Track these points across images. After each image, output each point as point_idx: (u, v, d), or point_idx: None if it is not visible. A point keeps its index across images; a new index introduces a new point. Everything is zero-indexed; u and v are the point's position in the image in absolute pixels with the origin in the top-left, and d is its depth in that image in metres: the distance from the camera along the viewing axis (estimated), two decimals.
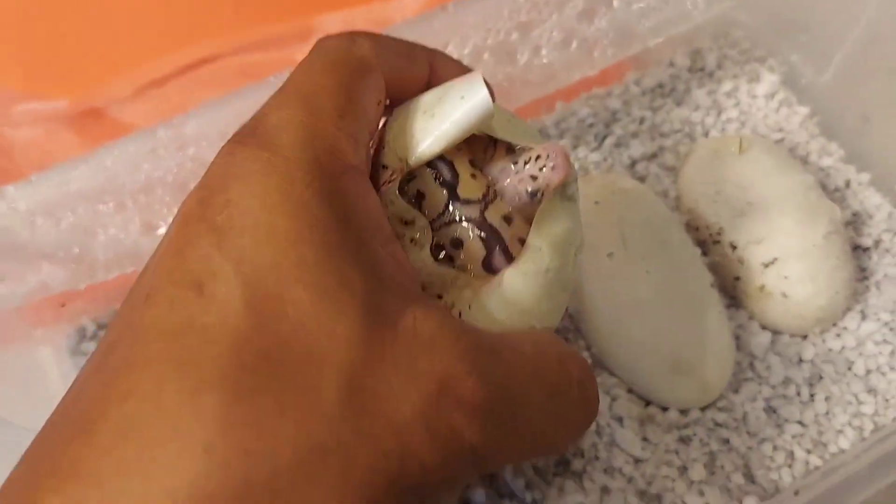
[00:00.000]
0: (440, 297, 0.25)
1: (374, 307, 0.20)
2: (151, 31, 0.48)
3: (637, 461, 0.34)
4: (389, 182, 0.25)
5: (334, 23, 0.49)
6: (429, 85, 0.27)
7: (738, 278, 0.37)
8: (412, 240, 0.25)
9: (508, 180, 0.25)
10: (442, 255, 0.25)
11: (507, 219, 0.25)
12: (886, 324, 0.37)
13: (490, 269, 0.25)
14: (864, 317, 0.37)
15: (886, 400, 0.35)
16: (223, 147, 0.22)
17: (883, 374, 0.36)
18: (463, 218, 0.25)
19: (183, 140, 0.33)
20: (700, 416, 0.35)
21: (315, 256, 0.20)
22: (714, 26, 0.45)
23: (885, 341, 0.37)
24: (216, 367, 0.18)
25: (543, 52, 0.36)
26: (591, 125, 0.43)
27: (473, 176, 0.25)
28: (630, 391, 0.36)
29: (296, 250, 0.20)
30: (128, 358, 0.19)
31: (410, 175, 0.26)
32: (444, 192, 0.25)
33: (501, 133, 0.25)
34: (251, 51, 0.49)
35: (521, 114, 0.43)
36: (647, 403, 0.36)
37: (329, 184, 0.21)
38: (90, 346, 0.37)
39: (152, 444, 0.17)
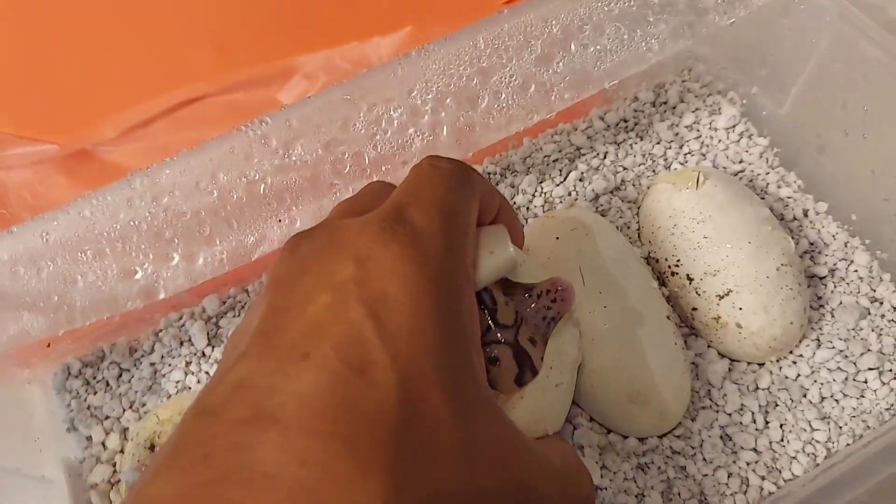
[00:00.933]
0: None
1: (482, 407, 0.25)
2: (138, 74, 0.50)
3: (597, 489, 0.36)
4: None
5: (315, 62, 0.51)
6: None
7: (695, 309, 0.39)
8: None
9: (528, 309, 0.31)
10: None
11: (532, 341, 0.30)
12: (841, 351, 0.38)
13: (520, 383, 0.30)
14: (819, 344, 0.39)
15: (839, 427, 0.36)
16: (371, 223, 0.26)
17: (836, 400, 0.37)
18: (502, 340, 0.30)
19: (157, 190, 0.35)
20: (658, 444, 0.37)
21: (450, 364, 0.24)
22: (676, 61, 0.47)
23: (839, 369, 0.38)
24: (380, 452, 0.21)
25: (503, 95, 0.38)
26: (555, 160, 0.44)
27: (506, 303, 0.31)
28: (591, 420, 0.38)
29: (439, 356, 0.24)
30: (298, 417, 0.21)
31: None
32: (487, 317, 0.30)
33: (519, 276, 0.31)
34: (235, 90, 0.51)
35: (488, 153, 0.45)
36: (608, 431, 0.38)
37: (464, 296, 0.26)
38: (76, 384, 0.39)
39: None
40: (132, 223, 0.35)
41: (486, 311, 0.30)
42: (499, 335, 0.30)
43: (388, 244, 0.25)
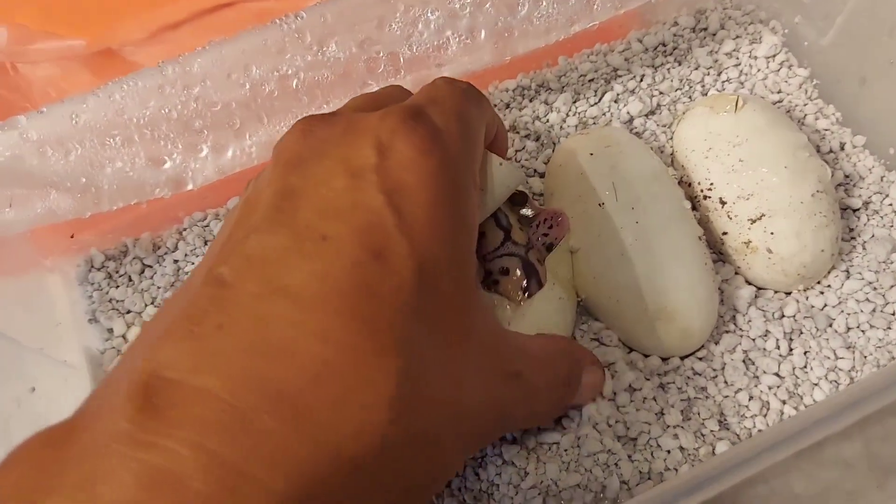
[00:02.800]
0: None
1: (478, 301, 0.28)
2: None
3: (617, 407, 0.36)
4: None
5: None
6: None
7: (725, 233, 0.38)
8: None
9: (531, 234, 0.36)
10: (490, 280, 0.34)
11: (540, 261, 0.35)
12: (870, 283, 0.38)
13: (527, 292, 0.34)
14: (848, 275, 0.38)
15: (864, 357, 0.36)
16: (393, 115, 0.26)
17: (863, 331, 0.37)
18: (514, 253, 0.34)
19: (189, 79, 0.34)
20: (680, 364, 0.36)
21: (458, 258, 0.26)
22: None
23: (867, 300, 0.37)
24: (397, 334, 0.23)
25: (543, 2, 0.37)
26: (591, 80, 0.44)
27: (521, 228, 0.36)
28: (613, 337, 0.37)
29: (450, 249, 0.26)
30: (318, 296, 0.22)
31: None
32: (502, 234, 0.34)
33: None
34: None
35: (522, 68, 0.44)
36: (630, 350, 0.37)
37: (472, 199, 0.28)
38: (98, 276, 0.39)
39: (345, 390, 0.21)
40: (163, 111, 0.34)
41: (501, 229, 0.34)
42: (510, 249, 0.34)
43: (409, 137, 0.26)
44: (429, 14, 0.36)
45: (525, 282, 0.34)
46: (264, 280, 0.22)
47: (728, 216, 0.38)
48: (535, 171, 0.41)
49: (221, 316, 0.21)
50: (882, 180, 0.40)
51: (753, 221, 0.37)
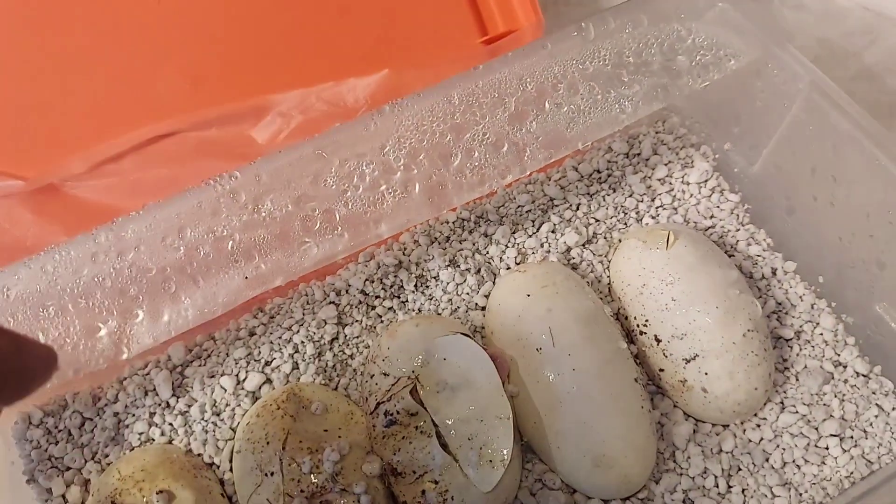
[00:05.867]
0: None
1: None
2: (109, 108, 0.49)
3: None
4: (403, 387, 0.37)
5: (291, 101, 0.50)
6: None
7: (662, 370, 0.39)
8: (417, 427, 0.36)
9: None
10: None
11: None
12: (803, 416, 0.39)
13: None
14: (783, 408, 0.39)
15: (800, 494, 0.37)
16: None
17: (798, 466, 0.38)
18: None
19: (123, 245, 0.34)
20: None
21: None
22: (651, 114, 0.47)
23: (801, 434, 0.38)
24: None
25: (476, 154, 0.38)
26: (528, 211, 0.44)
27: None
28: (557, 480, 0.38)
29: None
30: None
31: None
32: None
33: None
34: (208, 126, 0.50)
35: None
36: (574, 492, 0.38)
37: None
38: (36, 434, 0.38)
39: None
40: (96, 279, 0.34)
41: None
42: None
43: None
44: (364, 167, 0.37)
45: None
46: None
47: (664, 354, 0.38)
48: (476, 304, 0.42)
49: None
50: (813, 308, 0.41)
51: (688, 361, 0.38)
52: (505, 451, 0.35)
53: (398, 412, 0.36)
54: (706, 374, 0.37)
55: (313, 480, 0.34)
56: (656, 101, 0.39)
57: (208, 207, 0.35)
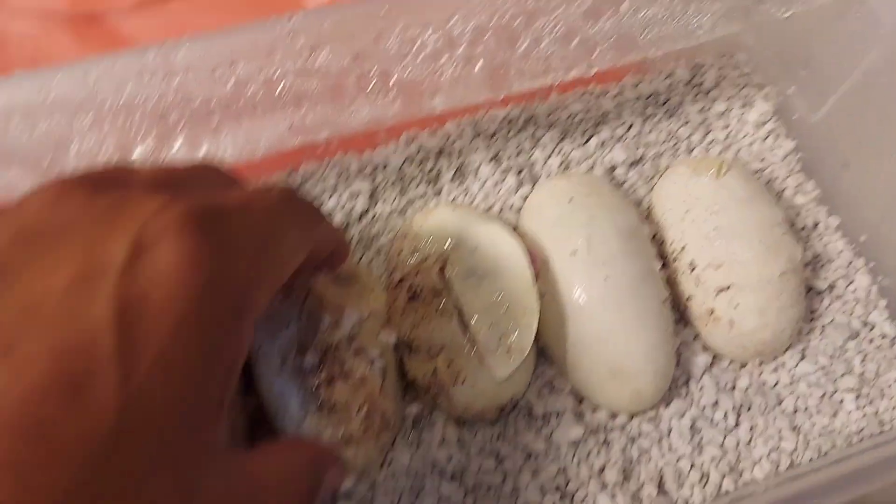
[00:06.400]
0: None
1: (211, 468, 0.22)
2: None
3: (559, 455, 0.35)
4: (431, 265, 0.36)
5: None
6: None
7: (690, 298, 0.38)
8: (438, 307, 0.35)
9: None
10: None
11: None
12: (823, 368, 0.38)
13: None
14: (803, 357, 0.38)
15: (808, 441, 0.36)
16: (179, 206, 0.21)
17: (809, 415, 0.37)
18: None
19: (171, 68, 0.33)
20: (626, 423, 0.36)
21: (198, 407, 0.21)
22: (719, 45, 0.45)
23: (818, 384, 0.38)
24: (64, 494, 0.18)
25: (544, 43, 0.36)
26: (580, 121, 0.43)
27: None
28: (567, 386, 0.37)
29: (175, 396, 0.20)
30: None
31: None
32: None
33: None
34: None
35: (513, 98, 0.43)
36: (581, 400, 0.37)
37: (240, 335, 0.23)
38: None
39: None
40: (138, 99, 0.33)
41: None
42: None
43: (182, 240, 0.20)
44: (427, 35, 0.36)
45: None
46: None
47: (696, 282, 0.38)
48: (512, 205, 0.41)
49: None
50: (849, 266, 0.41)
51: (720, 291, 0.37)
52: (526, 343, 0.34)
53: (422, 289, 0.35)
54: (737, 306, 0.37)
55: (328, 339, 0.34)
56: (735, 22, 0.38)
57: (264, 46, 0.34)
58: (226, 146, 0.34)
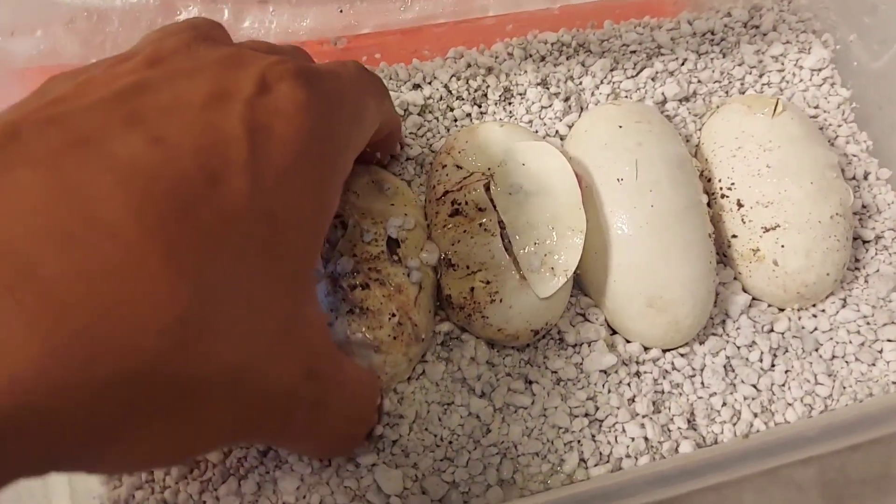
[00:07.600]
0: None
1: (310, 287, 0.26)
2: None
3: (589, 383, 0.35)
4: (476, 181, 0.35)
5: None
6: None
7: (735, 236, 0.37)
8: (481, 224, 0.34)
9: None
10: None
11: None
12: (865, 317, 0.37)
13: None
14: (844, 304, 0.38)
15: (843, 387, 0.36)
16: (290, 63, 0.24)
17: (847, 362, 0.36)
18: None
19: None
20: (660, 357, 0.36)
21: (302, 231, 0.24)
22: None
23: (858, 332, 0.37)
24: (197, 264, 0.20)
25: None
26: (633, 52, 0.42)
27: None
28: (601, 316, 0.36)
29: (294, 217, 0.23)
30: (123, 187, 0.20)
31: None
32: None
33: None
34: None
35: (568, 20, 0.42)
36: (614, 332, 0.37)
37: (334, 178, 0.26)
38: None
39: (117, 303, 0.19)
40: None
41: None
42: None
43: (295, 88, 0.24)
44: None
45: None
46: (77, 150, 0.20)
47: (742, 220, 0.37)
48: (557, 132, 0.40)
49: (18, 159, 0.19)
50: None
51: (767, 230, 0.36)
52: (571, 262, 0.33)
53: (465, 204, 0.35)
54: (783, 246, 0.36)
55: (370, 249, 0.33)
56: None
57: None
58: (270, 21, 0.33)
